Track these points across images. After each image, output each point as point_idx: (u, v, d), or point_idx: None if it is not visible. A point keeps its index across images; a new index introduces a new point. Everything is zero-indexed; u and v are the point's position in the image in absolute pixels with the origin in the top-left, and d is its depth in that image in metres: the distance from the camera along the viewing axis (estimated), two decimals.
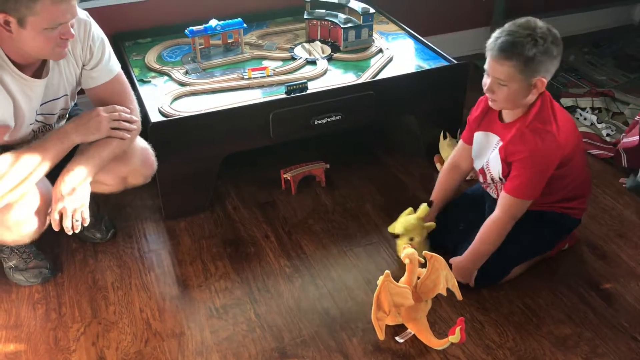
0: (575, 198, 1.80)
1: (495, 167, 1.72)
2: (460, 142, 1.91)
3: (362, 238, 2.04)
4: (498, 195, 1.77)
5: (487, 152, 1.75)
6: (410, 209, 1.87)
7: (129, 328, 1.72)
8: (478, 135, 1.79)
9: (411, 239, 1.82)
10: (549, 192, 1.70)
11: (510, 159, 1.65)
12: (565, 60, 3.16)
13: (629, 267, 1.91)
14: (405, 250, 1.64)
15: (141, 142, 1.78)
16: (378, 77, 2.22)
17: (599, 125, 2.57)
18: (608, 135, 2.51)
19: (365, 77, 2.21)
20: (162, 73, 2.23)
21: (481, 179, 1.85)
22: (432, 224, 1.87)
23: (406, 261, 1.63)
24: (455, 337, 1.55)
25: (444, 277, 1.63)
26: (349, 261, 1.95)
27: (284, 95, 2.07)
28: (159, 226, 2.10)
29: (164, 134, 1.94)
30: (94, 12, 1.68)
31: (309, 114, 2.09)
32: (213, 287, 1.85)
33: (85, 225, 1.66)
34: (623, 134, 2.39)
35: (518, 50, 1.51)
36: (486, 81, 1.62)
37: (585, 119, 2.62)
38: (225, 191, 2.25)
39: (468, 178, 2.10)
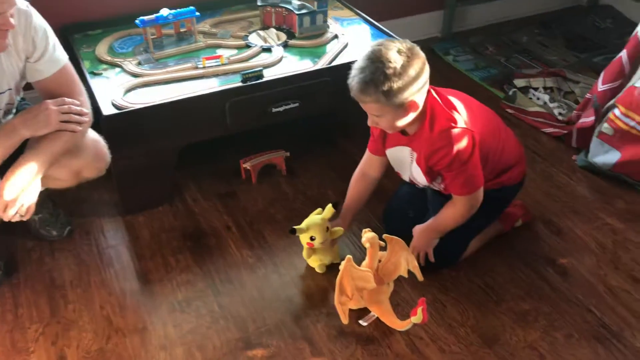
0: (506, 173, 1.79)
1: (420, 178, 1.72)
2: (368, 154, 1.85)
3: None
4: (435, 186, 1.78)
5: (407, 165, 1.73)
6: (320, 209, 1.84)
7: (89, 326, 1.69)
8: (391, 152, 1.75)
9: (312, 238, 1.76)
10: (484, 171, 1.69)
11: (436, 169, 1.64)
12: (518, 42, 3.22)
13: (583, 242, 1.96)
14: (366, 235, 1.65)
15: (93, 135, 1.74)
16: (334, 63, 2.21)
17: (551, 105, 2.62)
18: (560, 114, 2.57)
19: (322, 63, 2.20)
20: (113, 65, 2.18)
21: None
22: (339, 229, 1.83)
23: (367, 245, 1.64)
24: (417, 317, 1.57)
25: (405, 259, 1.65)
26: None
27: (240, 84, 2.05)
28: (117, 221, 2.06)
29: (118, 127, 1.89)
30: (40, 4, 1.62)
31: (266, 102, 2.07)
32: (174, 280, 1.83)
33: (24, 219, 1.61)
34: (574, 111, 2.44)
35: (373, 88, 1.47)
36: (369, 117, 1.60)
37: (538, 98, 2.67)
38: (184, 183, 2.22)
39: None
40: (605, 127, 2.20)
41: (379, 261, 1.67)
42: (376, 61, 1.47)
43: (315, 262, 1.84)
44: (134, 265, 1.89)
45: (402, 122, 1.56)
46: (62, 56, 1.65)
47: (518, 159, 1.83)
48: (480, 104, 1.76)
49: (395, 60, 1.46)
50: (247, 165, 2.19)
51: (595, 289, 1.79)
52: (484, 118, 1.72)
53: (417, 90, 1.51)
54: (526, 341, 1.63)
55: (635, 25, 3.30)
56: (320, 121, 2.52)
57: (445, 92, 1.65)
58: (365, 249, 1.66)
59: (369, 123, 1.61)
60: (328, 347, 1.62)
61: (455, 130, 1.56)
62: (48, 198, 1.93)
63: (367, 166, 1.86)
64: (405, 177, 1.79)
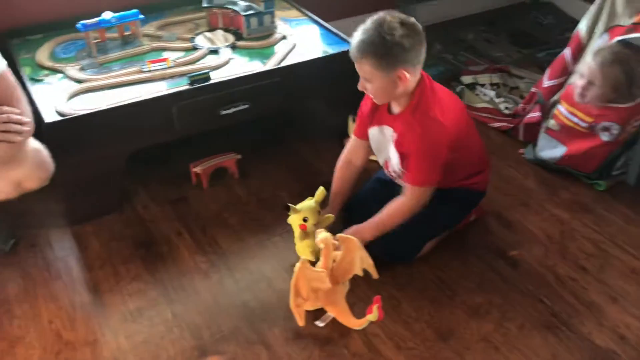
0: (477, 173, 1.88)
1: (394, 159, 1.76)
2: (353, 137, 1.91)
3: (278, 227, 2.02)
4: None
5: (386, 146, 1.78)
6: (310, 197, 1.85)
7: (37, 342, 1.63)
8: (373, 131, 1.81)
9: (305, 220, 1.77)
10: (452, 172, 1.76)
11: (404, 151, 1.70)
12: (464, 39, 3.28)
13: (532, 234, 2.01)
14: (320, 235, 1.65)
15: (34, 144, 1.68)
16: (283, 64, 2.20)
17: (497, 100, 2.68)
18: (507, 108, 2.62)
19: (271, 64, 2.19)
20: (55, 71, 2.12)
21: (386, 170, 1.88)
22: (331, 216, 1.85)
23: (321, 245, 1.64)
24: (373, 315, 1.58)
25: (359, 257, 1.65)
26: (266, 251, 1.93)
27: (187, 87, 2.01)
28: (65, 232, 2.00)
29: (62, 135, 1.84)
30: None
31: (215, 104, 2.05)
32: (126, 290, 1.78)
33: None
34: (520, 105, 2.50)
35: (369, 48, 1.56)
36: (360, 80, 1.68)
37: (484, 94, 2.73)
38: (134, 190, 2.17)
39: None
40: (552, 123, 2.26)
41: (334, 261, 1.67)
42: (379, 26, 1.56)
43: (307, 249, 1.78)
44: (83, 277, 1.84)
45: (388, 93, 1.64)
46: (1, 64, 1.59)
47: (485, 164, 1.92)
48: (462, 106, 1.83)
49: (397, 29, 1.55)
50: (197, 170, 2.16)
51: (545, 279, 1.83)
52: (465, 117, 1.79)
53: (410, 63, 1.59)
54: (480, 334, 1.66)
55: (575, 20, 3.42)
56: (272, 122, 2.51)
57: (437, 86, 1.73)
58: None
59: (359, 86, 1.68)
60: (285, 351, 1.61)
61: (434, 122, 1.64)
62: None
63: (351, 153, 1.92)
64: (381, 159, 1.84)
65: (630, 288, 1.80)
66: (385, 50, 1.55)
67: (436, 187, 1.73)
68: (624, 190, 2.20)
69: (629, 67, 2.05)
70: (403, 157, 1.72)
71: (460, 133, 1.72)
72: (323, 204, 1.88)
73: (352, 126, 2.32)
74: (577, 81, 2.15)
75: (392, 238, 1.79)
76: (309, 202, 1.81)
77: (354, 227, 1.77)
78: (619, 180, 2.22)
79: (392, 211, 1.75)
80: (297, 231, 1.81)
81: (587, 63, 2.10)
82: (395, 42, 1.54)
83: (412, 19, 1.60)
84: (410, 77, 1.60)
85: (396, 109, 1.72)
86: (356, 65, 1.64)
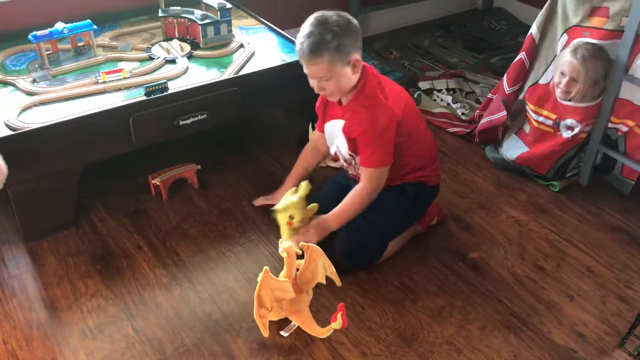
0: (426, 166, 1.89)
1: (342, 146, 1.80)
2: (316, 131, 2.01)
3: (240, 237, 2.01)
4: (357, 176, 1.84)
5: (336, 135, 1.82)
6: (294, 189, 1.85)
7: None
8: (328, 126, 1.86)
9: (291, 217, 1.78)
10: (400, 164, 1.80)
11: (353, 136, 1.74)
12: (420, 45, 3.32)
13: (491, 236, 2.05)
14: (282, 245, 1.64)
15: None
16: (242, 73, 2.19)
17: (454, 105, 2.72)
18: (463, 114, 2.67)
19: (229, 73, 2.18)
20: (6, 83, 2.06)
21: (340, 162, 1.91)
22: (315, 205, 1.85)
23: (284, 255, 1.63)
24: (337, 323, 1.57)
25: (322, 265, 1.65)
26: (228, 262, 1.92)
27: (144, 98, 1.98)
28: (19, 248, 1.94)
29: (13, 150, 1.78)
30: None
31: (173, 114, 2.02)
32: (84, 307, 1.74)
33: None
34: (477, 111, 2.55)
35: (323, 46, 1.60)
36: (313, 83, 1.71)
37: (442, 100, 2.77)
38: (90, 203, 2.12)
39: (338, 166, 2.16)
40: (527, 127, 2.31)
41: (297, 270, 1.66)
42: (320, 24, 1.62)
43: (297, 246, 1.71)
44: (40, 294, 1.78)
45: (348, 83, 1.69)
46: None
47: (435, 157, 1.94)
48: (407, 95, 1.87)
49: (337, 20, 1.62)
50: (156, 181, 2.13)
51: (505, 280, 1.87)
52: (408, 105, 1.81)
53: (359, 47, 1.67)
54: (443, 337, 1.68)
55: (526, 25, 3.50)
56: (231, 131, 2.49)
57: (380, 76, 1.78)
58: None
59: (316, 89, 1.72)
60: None
61: (378, 104, 1.69)
62: None
63: (316, 141, 2.02)
64: (332, 150, 1.88)
65: (586, 286, 1.85)
66: (338, 42, 1.60)
67: (387, 171, 1.76)
68: (577, 190, 2.26)
69: (606, 60, 2.08)
70: (351, 142, 1.76)
71: (407, 118, 1.76)
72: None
73: (312, 134, 2.33)
74: (558, 79, 2.15)
75: (354, 243, 1.81)
76: (292, 198, 1.79)
77: (318, 218, 1.80)
78: (573, 181, 2.28)
79: (352, 197, 1.78)
80: (284, 230, 1.80)
81: (568, 61, 2.10)
82: (343, 31, 1.61)
83: (342, 12, 1.67)
84: (361, 62, 1.68)
85: (345, 100, 1.76)
86: (309, 68, 1.67)
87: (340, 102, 1.79)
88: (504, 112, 2.34)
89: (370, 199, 1.77)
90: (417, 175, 1.88)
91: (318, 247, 1.65)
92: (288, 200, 1.79)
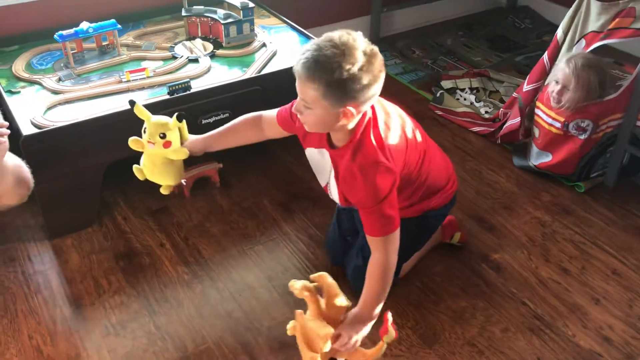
0: (433, 194, 1.70)
1: (334, 194, 1.61)
2: (274, 119, 1.67)
3: (261, 235, 2.02)
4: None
5: (325, 171, 1.60)
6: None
7: (17, 358, 1.60)
8: (313, 152, 1.60)
9: (162, 136, 1.57)
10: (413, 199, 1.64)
11: (349, 199, 1.53)
12: (443, 44, 3.30)
13: (514, 237, 2.02)
14: (295, 285, 1.47)
15: (13, 159, 1.65)
16: (264, 72, 2.20)
17: (477, 104, 2.70)
18: (486, 112, 2.64)
19: (251, 72, 2.18)
20: (32, 82, 2.09)
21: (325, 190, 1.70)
22: (174, 120, 1.59)
23: (305, 294, 1.46)
24: (389, 335, 1.45)
25: (338, 287, 1.49)
26: (249, 260, 1.92)
27: (167, 96, 2.00)
28: (44, 245, 1.96)
29: (39, 147, 1.81)
30: None
31: (195, 113, 2.03)
32: (107, 303, 1.76)
33: None
34: (501, 109, 2.52)
35: (322, 73, 1.29)
36: (297, 102, 1.42)
37: (464, 99, 2.74)
38: (114, 201, 2.14)
39: None
40: (536, 130, 2.28)
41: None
42: (339, 47, 1.29)
43: (172, 172, 1.64)
44: (64, 291, 1.81)
45: (324, 125, 1.41)
46: None
47: (445, 182, 1.74)
48: (415, 124, 1.63)
49: (358, 59, 1.29)
50: None
51: (528, 282, 1.84)
52: (411, 143, 1.56)
53: (361, 102, 1.35)
54: (465, 338, 1.66)
55: (552, 24, 3.45)
56: None
57: (381, 114, 1.49)
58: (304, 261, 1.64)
59: (294, 109, 1.44)
60: None
61: (376, 169, 1.42)
62: None
63: (267, 124, 1.70)
64: (322, 182, 1.66)
65: (612, 289, 1.82)
66: (339, 81, 1.29)
67: (398, 230, 1.49)
68: (603, 191, 2.22)
69: (600, 70, 2.11)
70: (347, 201, 1.55)
71: (411, 168, 1.56)
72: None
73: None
74: (552, 87, 2.19)
75: (362, 281, 1.57)
76: (159, 119, 1.59)
77: (348, 317, 1.48)
78: (599, 182, 2.25)
79: (375, 276, 1.49)
80: (149, 159, 1.61)
81: (561, 69, 2.15)
82: (352, 75, 1.28)
83: (375, 48, 1.34)
84: (356, 114, 1.38)
85: (337, 142, 1.49)
86: (299, 85, 1.36)
87: (332, 144, 1.51)
88: (518, 119, 2.32)
89: (393, 264, 1.49)
90: (420, 207, 1.69)
91: (325, 273, 1.50)
92: (155, 120, 1.58)
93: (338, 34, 1.32)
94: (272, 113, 1.69)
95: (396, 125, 1.52)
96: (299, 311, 1.44)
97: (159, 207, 2.12)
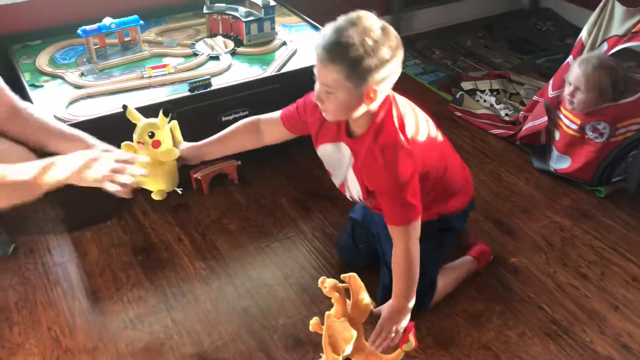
0: (451, 196, 1.67)
1: (354, 188, 1.56)
2: (278, 119, 1.64)
3: (278, 233, 2.02)
4: (371, 206, 1.64)
5: (342, 168, 1.55)
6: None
7: (36, 348, 1.62)
8: (327, 148, 1.57)
9: (151, 135, 1.51)
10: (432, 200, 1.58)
11: (369, 187, 1.50)
12: (463, 45, 3.28)
13: (532, 241, 2.00)
14: (326, 283, 1.42)
15: None
16: (284, 70, 2.20)
17: (498, 106, 2.68)
18: (507, 115, 2.62)
19: (271, 70, 2.19)
20: (55, 76, 2.11)
21: (341, 191, 1.67)
22: (161, 116, 1.52)
23: (335, 294, 1.42)
24: (409, 344, 1.46)
25: (365, 289, 1.47)
26: (266, 258, 1.93)
27: (188, 93, 2.01)
28: (64, 238, 1.99)
29: None
30: None
31: (215, 110, 2.04)
32: (125, 297, 1.78)
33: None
34: (521, 112, 2.50)
35: (344, 53, 1.28)
36: (316, 88, 1.39)
37: (485, 100, 2.73)
38: (133, 196, 2.15)
39: None
40: (556, 133, 2.27)
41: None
42: (358, 27, 1.28)
43: (164, 176, 1.58)
44: (82, 283, 1.83)
45: (348, 110, 1.38)
46: None
47: (462, 184, 1.70)
48: (433, 129, 1.60)
49: (379, 35, 1.29)
50: (197, 175, 2.15)
51: (546, 286, 1.83)
52: (430, 138, 1.55)
53: (383, 78, 1.33)
54: (481, 341, 1.65)
55: (574, 27, 3.42)
56: None
57: (400, 102, 1.49)
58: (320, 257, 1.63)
59: (314, 97, 1.40)
60: (285, 358, 1.60)
61: (398, 151, 1.41)
62: None
63: (267, 127, 1.65)
64: (337, 181, 1.61)
65: (631, 296, 1.80)
66: (363, 57, 1.28)
67: (420, 219, 1.48)
68: (624, 197, 2.19)
69: (613, 72, 2.09)
70: (368, 191, 1.52)
71: (428, 148, 1.52)
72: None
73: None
74: (566, 88, 2.19)
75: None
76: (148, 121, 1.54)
77: (389, 309, 1.51)
78: (620, 187, 2.22)
79: (400, 267, 1.49)
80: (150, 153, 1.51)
81: (574, 70, 2.15)
82: (374, 50, 1.28)
83: (393, 30, 1.34)
84: (379, 95, 1.37)
85: (357, 129, 1.47)
86: (319, 70, 1.35)
87: (350, 133, 1.50)
88: (545, 118, 2.30)
89: (416, 253, 1.48)
90: (438, 211, 1.65)
91: (355, 274, 1.47)
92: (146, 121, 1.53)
93: (352, 15, 1.33)
94: (272, 115, 1.66)
95: (417, 116, 1.52)
96: (329, 313, 1.43)
97: (178, 202, 2.14)
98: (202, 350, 1.62)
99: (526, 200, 2.19)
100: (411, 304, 1.51)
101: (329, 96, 1.36)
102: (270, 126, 1.66)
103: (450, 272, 1.79)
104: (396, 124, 1.43)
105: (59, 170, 1.39)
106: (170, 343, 1.64)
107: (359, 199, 1.58)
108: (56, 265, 1.89)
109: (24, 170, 1.37)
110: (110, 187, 1.39)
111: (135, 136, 1.54)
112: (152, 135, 1.51)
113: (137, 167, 1.42)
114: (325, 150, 1.58)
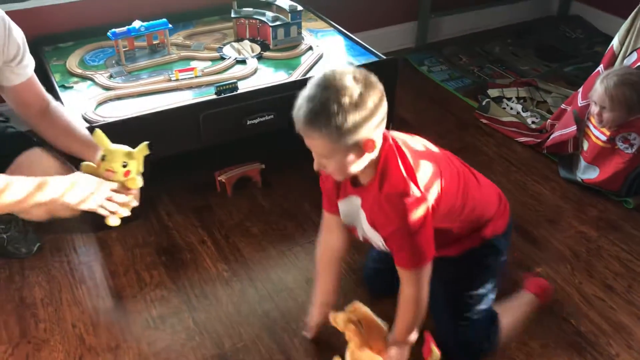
0: (484, 224, 1.53)
1: (375, 238, 1.45)
2: (324, 212, 1.58)
3: (300, 237, 2.02)
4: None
5: (357, 218, 1.46)
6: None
7: (61, 345, 1.65)
8: (342, 205, 1.49)
9: (124, 165, 1.53)
10: (444, 241, 1.47)
11: (380, 233, 1.40)
12: (490, 52, 3.25)
13: (557, 251, 1.98)
14: (338, 320, 1.47)
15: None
16: (309, 75, 2.21)
17: (524, 114, 2.65)
18: (533, 122, 2.60)
19: (297, 75, 2.20)
20: (84, 78, 2.15)
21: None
22: (144, 144, 1.56)
23: (350, 327, 1.46)
24: (433, 354, 1.45)
25: (373, 314, 1.53)
26: (288, 261, 1.93)
27: (214, 96, 2.03)
28: (89, 237, 2.02)
29: None
30: (9, 15, 1.59)
31: (241, 114, 2.06)
32: (148, 297, 1.79)
33: None
34: (549, 121, 2.48)
35: (321, 120, 1.20)
36: (314, 157, 1.34)
37: (511, 108, 2.70)
38: (158, 197, 2.18)
39: None
40: (585, 143, 2.24)
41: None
42: (329, 88, 1.20)
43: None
44: (106, 282, 1.85)
45: (355, 166, 1.30)
46: (32, 62, 1.62)
47: (496, 207, 1.56)
48: (444, 154, 1.50)
49: (352, 87, 1.20)
50: (222, 178, 2.17)
51: (571, 298, 1.80)
52: (448, 173, 1.44)
53: (375, 126, 1.25)
54: (503, 352, 1.63)
55: (604, 35, 3.37)
56: (296, 133, 2.50)
57: (403, 141, 1.38)
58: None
59: (315, 167, 1.34)
60: None
61: (406, 199, 1.30)
62: (17, 215, 1.88)
63: (328, 233, 1.58)
64: (360, 235, 1.51)
65: None
66: (344, 117, 1.19)
67: (430, 264, 1.39)
68: None
69: (636, 84, 2.06)
70: (384, 238, 1.41)
71: (452, 195, 1.43)
72: None
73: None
74: (592, 108, 2.17)
75: (454, 339, 1.56)
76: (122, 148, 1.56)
77: (389, 347, 1.50)
78: None
79: (408, 310, 1.44)
80: (119, 178, 1.53)
81: (596, 89, 2.12)
82: (354, 104, 1.20)
83: (364, 70, 1.26)
84: (376, 142, 1.28)
85: (363, 178, 1.38)
86: (308, 141, 1.28)
87: (356, 182, 1.41)
88: (574, 127, 2.27)
89: (425, 296, 1.41)
90: (474, 238, 1.54)
91: (358, 302, 1.53)
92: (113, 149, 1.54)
93: (320, 75, 1.24)
94: (323, 222, 1.59)
95: (423, 152, 1.42)
96: (350, 348, 1.45)
97: (202, 204, 2.15)
98: (223, 351, 1.63)
99: (552, 210, 2.16)
100: (413, 337, 1.48)
101: (328, 161, 1.30)
102: (329, 230, 1.57)
103: (509, 312, 1.66)
104: (401, 168, 1.32)
105: (51, 191, 1.43)
106: (192, 344, 1.65)
107: (385, 248, 1.45)
108: (82, 263, 1.92)
109: (23, 187, 1.40)
110: (103, 212, 1.51)
111: (104, 163, 1.54)
112: (125, 165, 1.54)
113: (125, 197, 1.52)
114: (341, 207, 1.50)
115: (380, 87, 1.26)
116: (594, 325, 1.71)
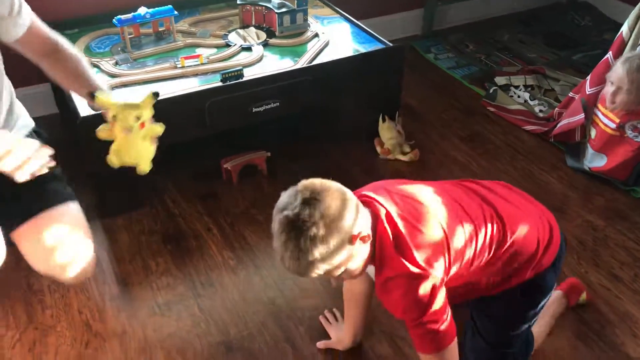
0: (516, 271, 1.34)
1: None
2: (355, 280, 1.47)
3: None
4: None
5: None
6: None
7: (67, 331, 1.66)
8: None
9: (138, 118, 1.45)
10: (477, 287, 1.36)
11: (396, 316, 1.30)
12: (498, 40, 3.23)
13: (566, 241, 1.96)
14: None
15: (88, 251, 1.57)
16: (315, 62, 2.20)
17: (532, 102, 2.63)
18: (541, 111, 2.58)
19: (302, 62, 2.19)
20: (91, 65, 2.14)
21: None
22: (150, 95, 1.44)
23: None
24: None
25: None
26: None
27: (220, 84, 2.02)
28: (96, 224, 2.02)
29: (95, 129, 1.85)
30: None
31: (247, 101, 2.05)
32: (154, 284, 1.80)
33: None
34: (556, 109, 2.46)
35: (308, 264, 1.15)
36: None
37: (518, 96, 2.68)
38: (164, 185, 2.19)
39: (407, 160, 2.10)
40: (592, 131, 2.22)
41: None
42: (293, 228, 1.15)
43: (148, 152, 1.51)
44: (112, 269, 1.86)
45: (362, 262, 1.24)
46: (28, 8, 1.50)
47: (532, 249, 1.34)
48: (453, 198, 1.34)
49: (309, 212, 1.14)
50: (227, 166, 2.17)
51: None
52: (455, 226, 1.28)
53: (352, 222, 1.17)
54: None
55: (613, 22, 3.33)
56: (301, 120, 2.50)
57: (397, 209, 1.26)
58: None
59: (333, 284, 1.39)
60: (310, 350, 1.61)
61: (404, 280, 1.22)
62: None
63: (352, 286, 1.53)
64: None
65: None
66: (326, 248, 1.14)
67: (455, 340, 1.28)
68: None
69: None
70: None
71: (462, 255, 1.28)
72: None
73: (382, 127, 2.31)
74: (607, 87, 2.14)
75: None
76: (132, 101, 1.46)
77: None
78: None
79: None
80: (137, 134, 1.45)
81: (617, 70, 2.09)
82: (328, 229, 1.13)
83: (328, 184, 1.21)
84: (365, 228, 1.20)
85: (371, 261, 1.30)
86: (303, 277, 1.23)
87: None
88: (582, 116, 2.25)
89: None
90: (509, 285, 1.36)
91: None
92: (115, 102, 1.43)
93: (277, 221, 1.20)
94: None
95: (422, 214, 1.27)
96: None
97: (208, 192, 2.15)
98: (228, 339, 1.64)
99: (559, 199, 2.15)
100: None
101: (338, 275, 1.23)
102: (351, 287, 1.53)
103: (540, 319, 1.54)
104: (394, 248, 1.22)
105: None
106: (197, 331, 1.66)
107: None
108: None
109: None
110: (20, 178, 1.29)
111: (118, 122, 1.45)
112: (138, 119, 1.46)
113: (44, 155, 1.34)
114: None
115: (335, 189, 1.20)
116: (600, 314, 1.71)
